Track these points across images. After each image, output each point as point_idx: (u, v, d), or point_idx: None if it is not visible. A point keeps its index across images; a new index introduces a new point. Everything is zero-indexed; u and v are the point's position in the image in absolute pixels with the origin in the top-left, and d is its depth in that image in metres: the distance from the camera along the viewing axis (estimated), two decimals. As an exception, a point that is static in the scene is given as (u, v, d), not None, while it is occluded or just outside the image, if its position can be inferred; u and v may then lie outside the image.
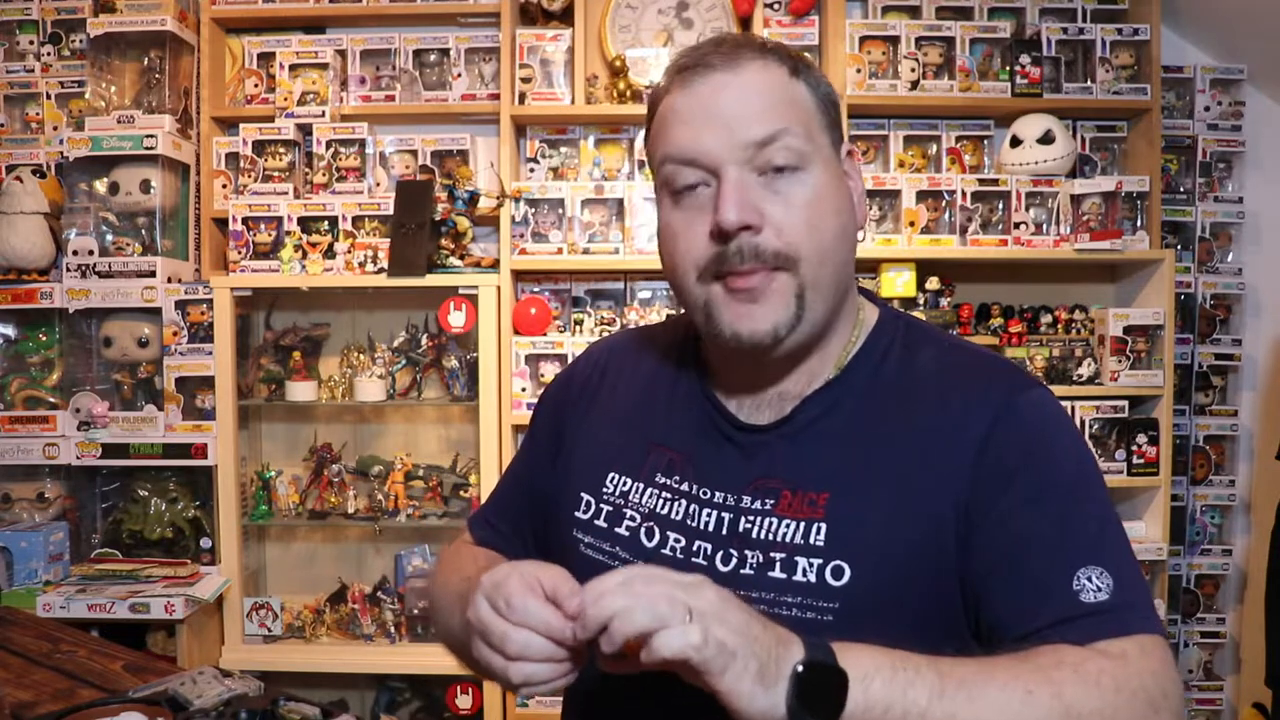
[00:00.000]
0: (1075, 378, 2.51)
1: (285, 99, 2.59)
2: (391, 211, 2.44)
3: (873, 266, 2.51)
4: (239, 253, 2.50)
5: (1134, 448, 2.43)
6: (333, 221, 2.50)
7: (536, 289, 2.63)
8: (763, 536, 0.80)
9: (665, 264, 0.86)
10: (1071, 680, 0.65)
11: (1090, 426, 2.44)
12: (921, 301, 2.52)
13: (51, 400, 2.54)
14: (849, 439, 0.82)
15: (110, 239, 2.54)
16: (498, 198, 2.47)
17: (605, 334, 2.48)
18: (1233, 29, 2.62)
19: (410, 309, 2.58)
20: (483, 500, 1.11)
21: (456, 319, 2.42)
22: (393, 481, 2.51)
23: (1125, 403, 2.44)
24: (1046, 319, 2.60)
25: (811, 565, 0.78)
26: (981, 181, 2.50)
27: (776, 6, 2.59)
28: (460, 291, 2.41)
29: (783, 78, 0.82)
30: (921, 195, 2.51)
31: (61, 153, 2.52)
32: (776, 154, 0.79)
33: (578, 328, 2.55)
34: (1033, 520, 0.75)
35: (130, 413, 2.47)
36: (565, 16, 2.60)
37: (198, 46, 2.63)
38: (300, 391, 2.50)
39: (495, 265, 2.50)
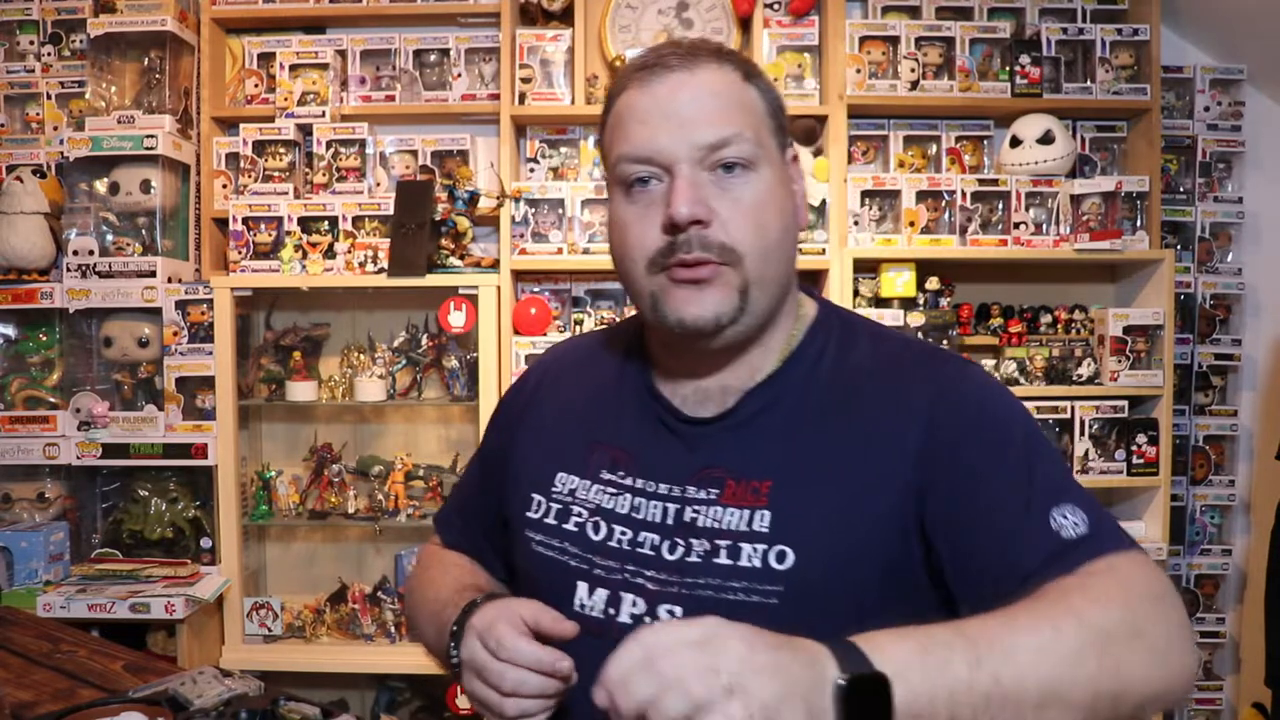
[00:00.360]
0: (1075, 378, 2.51)
1: (285, 99, 2.59)
2: (391, 211, 2.44)
3: (873, 266, 2.51)
4: (239, 253, 2.50)
5: (1134, 448, 2.43)
6: (333, 221, 2.50)
7: (536, 289, 2.63)
8: (708, 525, 0.82)
9: (615, 254, 0.89)
10: (1085, 604, 0.67)
11: (1090, 426, 2.44)
12: (921, 301, 2.52)
13: (52, 400, 2.54)
14: (791, 431, 0.85)
15: (110, 239, 2.54)
16: (498, 198, 2.47)
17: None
18: (1233, 29, 2.62)
19: (410, 309, 2.58)
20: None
21: (456, 319, 2.42)
22: (393, 481, 2.51)
23: (1125, 403, 2.44)
24: (1046, 319, 2.60)
25: (756, 550, 0.80)
26: (981, 181, 2.50)
27: (776, 6, 2.59)
28: (460, 291, 2.41)
29: (737, 81, 0.85)
30: (921, 195, 2.51)
31: (62, 153, 2.52)
32: (727, 154, 0.82)
33: (578, 328, 2.55)
34: (997, 488, 0.77)
35: (130, 413, 2.47)
36: (565, 16, 2.60)
37: (198, 47, 2.63)
38: (300, 391, 2.50)
39: (495, 265, 2.51)
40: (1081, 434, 2.44)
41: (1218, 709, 2.71)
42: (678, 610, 0.81)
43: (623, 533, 0.86)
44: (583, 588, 0.86)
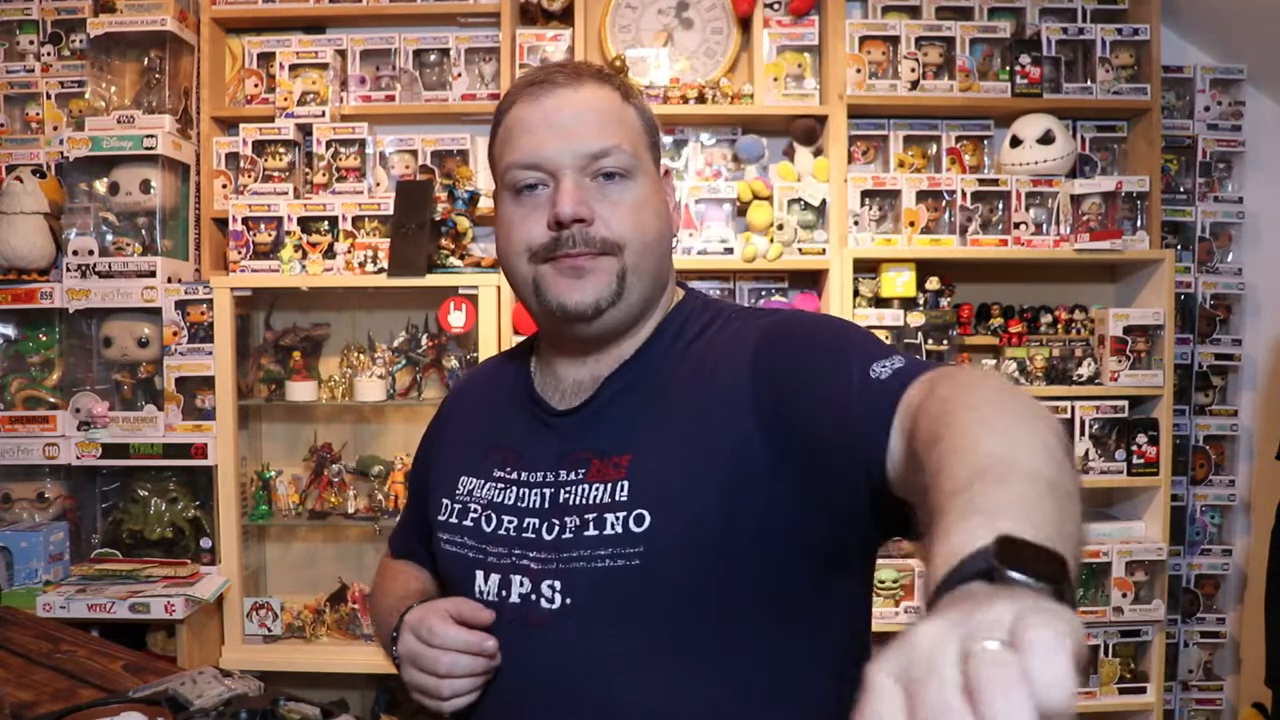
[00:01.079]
0: (1075, 378, 2.51)
1: (285, 99, 2.59)
2: (391, 211, 2.44)
3: (873, 266, 2.51)
4: (239, 253, 2.50)
5: (1134, 448, 2.43)
6: (333, 221, 2.50)
7: (536, 289, 2.63)
8: (578, 502, 0.89)
9: (500, 250, 0.97)
10: (984, 387, 0.65)
11: (1090, 426, 2.44)
12: (921, 301, 2.52)
13: (51, 400, 2.53)
14: (645, 404, 0.92)
15: (110, 239, 2.53)
16: (498, 198, 2.47)
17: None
18: (1233, 29, 2.62)
19: (410, 309, 2.58)
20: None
21: (456, 319, 2.42)
22: (393, 481, 2.51)
23: (1125, 403, 2.44)
24: (1046, 319, 2.60)
25: (618, 518, 0.86)
26: (981, 181, 2.50)
27: (776, 6, 2.59)
28: (460, 291, 2.41)
29: (617, 100, 0.94)
30: (921, 195, 2.51)
31: (61, 153, 2.52)
32: (608, 164, 0.90)
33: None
34: (822, 380, 0.79)
35: (130, 413, 2.47)
36: (565, 16, 2.60)
37: (198, 46, 2.63)
38: (300, 391, 2.50)
39: (495, 265, 2.50)
40: (1082, 434, 2.44)
41: (1218, 709, 2.71)
42: (557, 584, 0.87)
43: (509, 521, 0.93)
44: (480, 575, 0.93)
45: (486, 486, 0.97)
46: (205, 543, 2.47)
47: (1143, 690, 2.46)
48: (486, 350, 2.39)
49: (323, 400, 2.54)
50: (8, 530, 2.40)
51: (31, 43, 2.70)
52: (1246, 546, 2.75)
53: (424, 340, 2.55)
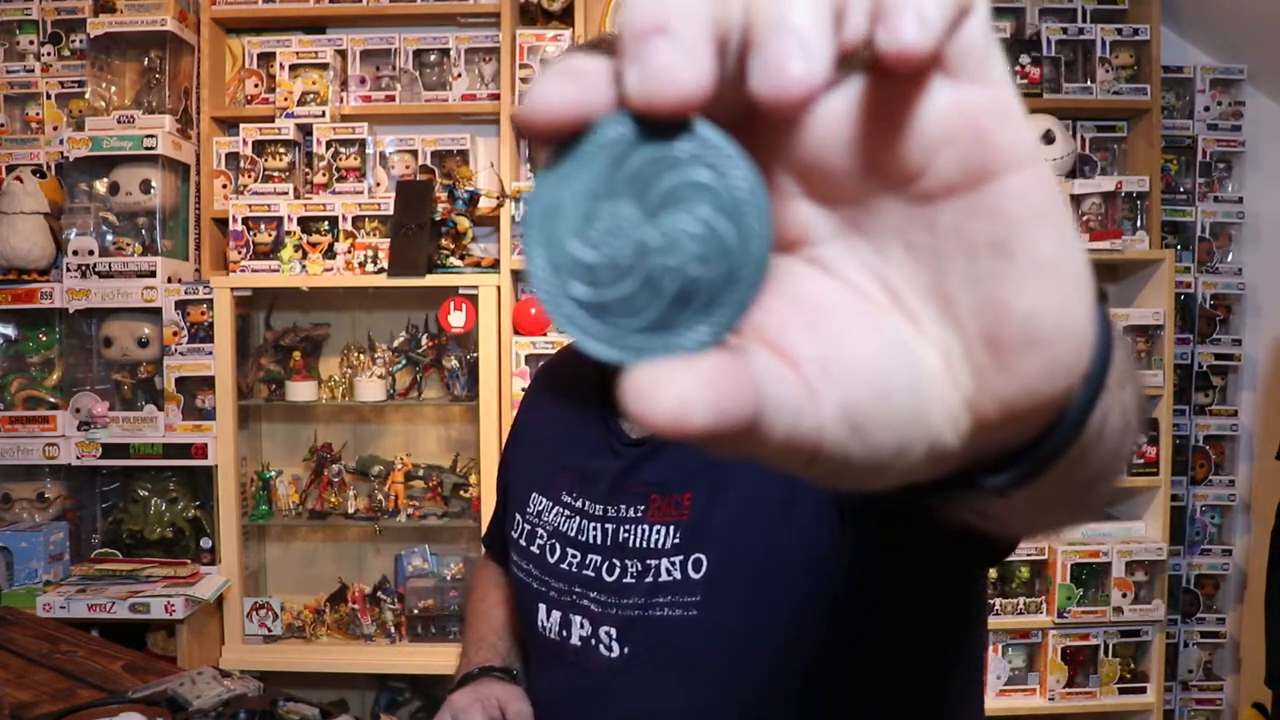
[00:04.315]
0: (1075, 378, 2.50)
1: (285, 99, 2.59)
2: (391, 211, 2.44)
3: (873, 266, 2.51)
4: (239, 253, 2.50)
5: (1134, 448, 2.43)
6: (333, 221, 2.49)
7: (536, 289, 2.63)
8: (638, 544, 0.83)
9: None
10: None
11: (1090, 426, 2.43)
12: (921, 301, 2.51)
13: (51, 400, 2.53)
14: None
15: (110, 239, 2.53)
16: (498, 198, 2.47)
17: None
18: (1233, 29, 2.62)
19: (410, 309, 2.58)
20: (483, 501, 1.18)
21: (456, 319, 2.42)
22: (393, 481, 2.51)
23: (1125, 403, 2.44)
24: (1046, 319, 2.59)
25: (674, 564, 0.80)
26: (981, 181, 2.50)
27: (776, 6, 2.58)
28: (460, 291, 2.41)
29: None
30: (921, 195, 2.50)
31: (61, 153, 2.52)
32: None
33: (578, 328, 2.54)
34: None
35: (130, 413, 2.47)
36: (565, 16, 2.59)
37: (198, 46, 2.63)
38: (300, 391, 2.50)
39: (495, 265, 2.50)
40: (1081, 434, 2.43)
41: (1218, 709, 2.71)
42: (614, 631, 0.82)
43: (572, 555, 0.88)
44: (542, 610, 0.89)
45: (554, 511, 0.92)
46: (205, 543, 2.47)
47: (1143, 690, 2.46)
48: (487, 350, 2.39)
49: (323, 400, 2.54)
50: (8, 530, 2.39)
51: (31, 43, 2.70)
52: (1246, 546, 2.74)
53: (424, 340, 2.55)
